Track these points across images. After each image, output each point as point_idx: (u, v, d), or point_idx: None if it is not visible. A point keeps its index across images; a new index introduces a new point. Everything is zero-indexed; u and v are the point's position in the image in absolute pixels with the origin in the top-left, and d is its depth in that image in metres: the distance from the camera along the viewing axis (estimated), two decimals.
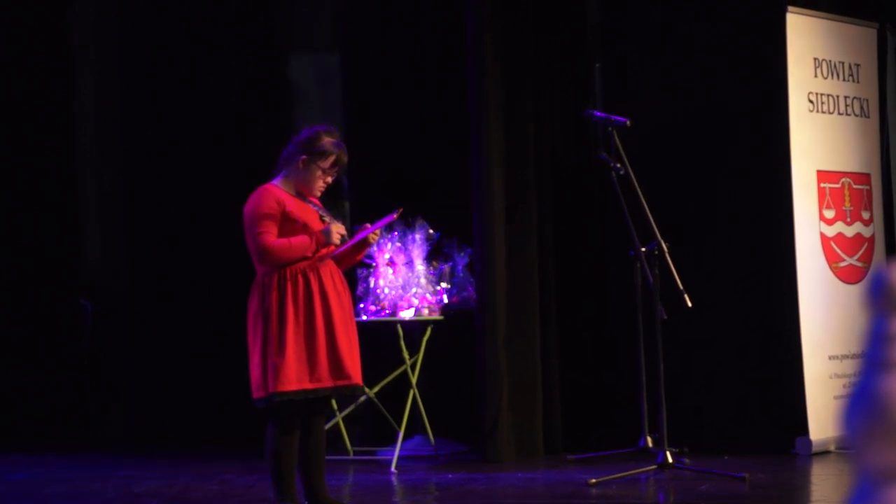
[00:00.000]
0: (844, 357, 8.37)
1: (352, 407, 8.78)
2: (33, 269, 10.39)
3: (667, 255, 7.46)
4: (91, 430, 10.10)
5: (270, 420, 6.34)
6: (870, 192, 8.78)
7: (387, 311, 8.60)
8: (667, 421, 7.48)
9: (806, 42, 8.41)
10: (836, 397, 8.27)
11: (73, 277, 10.33)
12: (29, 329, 10.35)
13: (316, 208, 6.51)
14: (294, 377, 6.22)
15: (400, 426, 8.42)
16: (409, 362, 8.51)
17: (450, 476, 7.95)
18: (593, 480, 7.34)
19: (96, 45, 10.36)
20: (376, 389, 8.61)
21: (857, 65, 8.74)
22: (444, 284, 8.67)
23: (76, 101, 10.40)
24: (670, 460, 7.43)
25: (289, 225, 6.36)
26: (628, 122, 7.67)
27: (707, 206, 8.55)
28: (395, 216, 6.64)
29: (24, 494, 7.70)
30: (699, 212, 8.55)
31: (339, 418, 8.74)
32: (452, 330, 8.71)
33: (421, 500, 7.49)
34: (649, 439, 8.03)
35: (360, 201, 9.28)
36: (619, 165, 7.57)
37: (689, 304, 7.37)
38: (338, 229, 6.43)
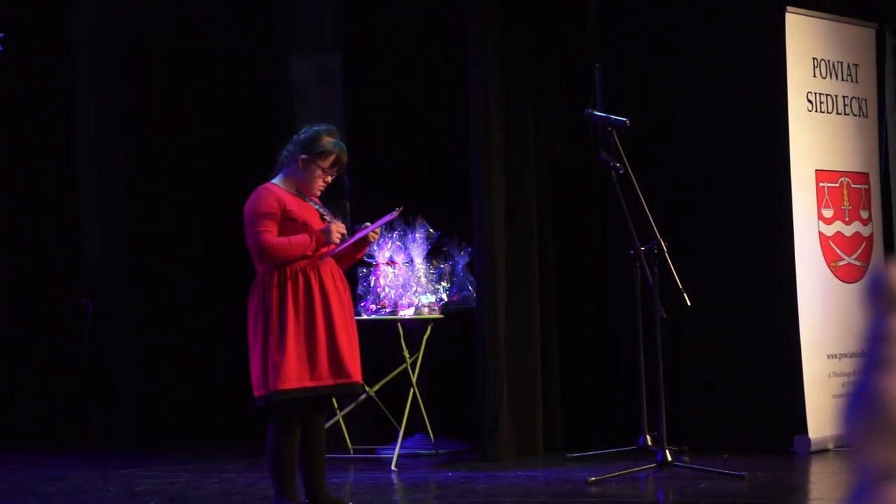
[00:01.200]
0: (843, 356, 8.38)
1: (352, 405, 8.79)
2: (33, 269, 10.40)
3: (666, 255, 7.48)
4: (91, 429, 10.11)
5: (271, 418, 6.35)
6: (868, 191, 8.79)
7: (387, 310, 8.62)
8: (666, 419, 7.49)
9: (805, 42, 8.43)
10: (834, 396, 8.28)
11: (74, 277, 10.34)
12: (29, 329, 10.36)
13: (316, 207, 6.52)
14: (294, 375, 6.23)
15: (400, 425, 8.44)
16: (409, 361, 8.53)
17: (450, 474, 7.96)
18: (593, 479, 7.35)
19: (96, 45, 10.37)
20: (377, 388, 8.63)
21: (856, 65, 8.76)
22: (444, 283, 8.69)
23: (76, 101, 10.42)
24: (669, 459, 7.44)
25: (289, 224, 6.37)
26: (628, 122, 7.68)
27: (707, 206, 8.56)
28: (394, 214, 6.64)
29: (24, 493, 7.70)
30: (699, 211, 8.57)
31: (339, 417, 8.76)
32: (452, 329, 8.73)
33: (421, 498, 7.50)
34: (648, 438, 8.04)
35: (361, 200, 9.29)
36: (618, 165, 7.58)
37: (689, 303, 7.39)
38: (338, 228, 6.44)
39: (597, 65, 8.62)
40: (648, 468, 7.51)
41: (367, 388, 8.10)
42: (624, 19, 8.93)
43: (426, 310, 8.58)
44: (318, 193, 6.56)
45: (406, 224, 8.60)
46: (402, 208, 6.70)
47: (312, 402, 6.36)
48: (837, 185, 8.58)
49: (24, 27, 10.21)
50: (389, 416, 8.75)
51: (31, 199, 10.41)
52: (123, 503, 7.28)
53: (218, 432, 9.53)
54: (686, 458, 7.76)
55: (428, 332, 8.59)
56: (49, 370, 10.29)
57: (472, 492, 7.30)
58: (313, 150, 6.44)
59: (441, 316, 8.63)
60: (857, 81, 8.76)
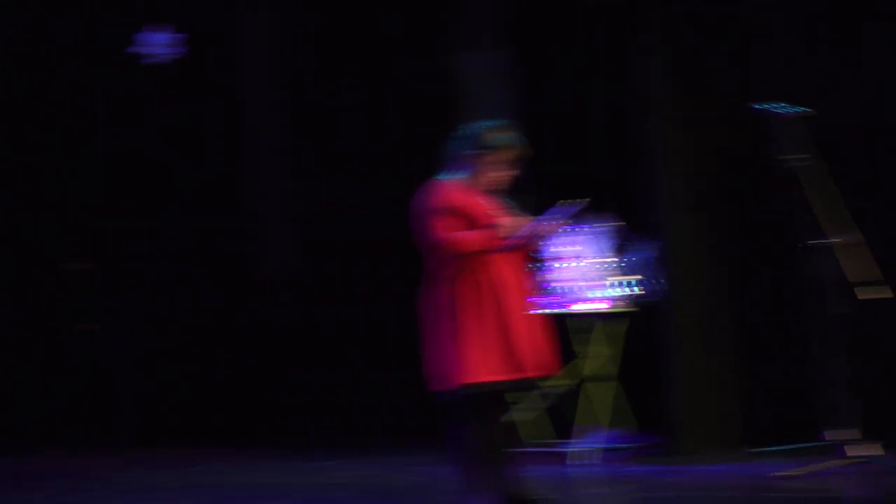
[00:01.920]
0: None
1: (537, 399, 8.77)
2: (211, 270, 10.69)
3: (852, 247, 7.32)
4: (281, 424, 10.31)
5: (456, 413, 6.35)
6: None
7: (571, 304, 8.59)
8: (852, 414, 7.32)
9: None
10: None
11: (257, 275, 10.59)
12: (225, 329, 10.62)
13: (491, 202, 6.51)
14: (478, 369, 6.23)
15: (585, 419, 8.41)
16: (593, 355, 8.49)
17: (635, 468, 7.97)
18: (781, 473, 7.25)
19: (263, 49, 10.56)
20: (559, 382, 8.59)
21: None
22: (631, 277, 8.63)
23: (248, 104, 10.63)
24: (856, 454, 7.27)
25: (462, 219, 6.38)
26: (806, 114, 7.54)
27: (891, 198, 8.36)
28: (577, 209, 6.58)
29: (208, 486, 7.94)
30: (882, 205, 8.37)
31: (526, 411, 8.74)
32: (639, 322, 8.67)
33: (606, 493, 7.50)
34: (834, 433, 7.86)
35: (537, 195, 9.25)
36: (800, 157, 7.46)
37: (880, 295, 7.20)
38: (513, 222, 6.43)
39: (776, 58, 8.49)
40: (835, 463, 7.35)
41: (550, 382, 8.07)
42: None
43: (612, 303, 8.54)
44: (493, 188, 6.55)
45: (591, 218, 8.54)
46: (584, 202, 6.64)
47: (497, 396, 6.35)
48: None
49: (196, 23, 10.45)
50: (575, 410, 8.71)
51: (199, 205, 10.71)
52: (324, 493, 7.43)
53: (405, 426, 9.63)
54: (874, 454, 7.57)
55: (615, 325, 8.54)
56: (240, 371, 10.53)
57: (658, 486, 7.30)
58: (484, 146, 6.46)
59: (628, 309, 8.57)
60: None
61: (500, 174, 6.50)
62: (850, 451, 7.29)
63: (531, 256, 7.30)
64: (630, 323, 8.63)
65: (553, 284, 8.68)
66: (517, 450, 8.29)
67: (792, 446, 8.18)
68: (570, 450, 8.39)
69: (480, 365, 6.24)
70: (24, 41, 10.83)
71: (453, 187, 6.45)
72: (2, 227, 11.15)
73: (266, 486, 7.86)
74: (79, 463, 9.68)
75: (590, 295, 8.59)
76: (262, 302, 10.48)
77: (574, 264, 8.63)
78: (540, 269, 8.72)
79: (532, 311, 6.48)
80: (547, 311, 8.58)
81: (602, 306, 8.55)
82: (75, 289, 10.81)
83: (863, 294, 7.21)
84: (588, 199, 6.63)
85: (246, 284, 10.57)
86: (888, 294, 7.24)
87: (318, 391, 10.22)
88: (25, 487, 8.41)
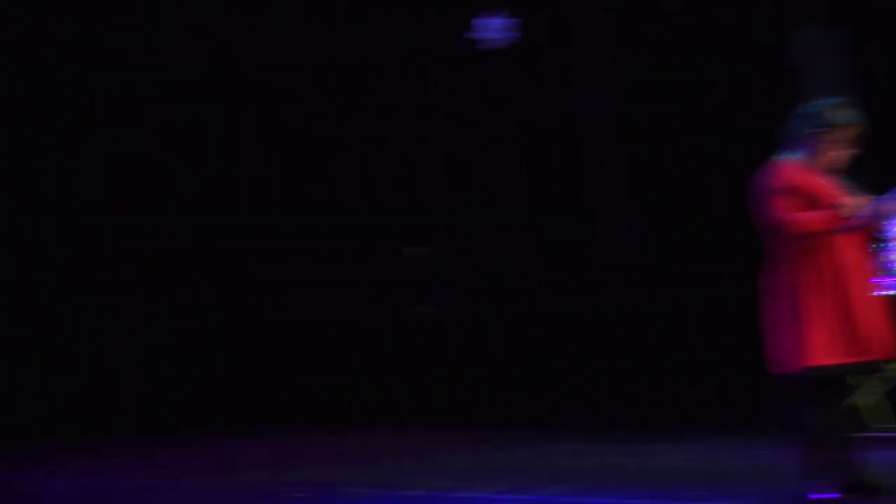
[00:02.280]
0: None
1: (880, 383, 8.58)
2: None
3: None
4: (607, 408, 10.38)
5: (797, 396, 6.28)
6: None
7: None
8: None
9: None
10: None
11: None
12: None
13: (832, 182, 6.41)
14: (821, 352, 6.15)
15: None
16: None
17: None
18: None
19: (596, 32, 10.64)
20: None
21: None
22: None
23: (582, 90, 10.73)
24: None
25: (803, 199, 6.30)
26: None
27: None
28: None
29: (537, 467, 8.09)
30: None
31: (868, 394, 8.56)
32: None
33: None
34: None
35: (881, 174, 9.04)
36: None
37: None
38: (855, 202, 6.31)
39: None
40: None
41: (894, 365, 7.88)
42: None
43: None
44: (833, 167, 6.44)
45: None
46: None
47: (840, 379, 6.27)
48: None
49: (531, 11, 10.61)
50: None
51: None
52: (658, 476, 7.52)
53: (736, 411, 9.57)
54: None
55: None
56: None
57: None
58: (824, 124, 6.35)
59: None
60: None
61: (840, 153, 6.39)
62: None
63: (874, 237, 7.17)
64: None
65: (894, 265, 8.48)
66: (859, 434, 8.19)
67: None
68: None
69: (823, 348, 6.16)
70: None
71: (794, 167, 6.37)
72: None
73: (597, 468, 7.95)
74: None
75: None
76: (599, 285, 10.57)
77: None
78: (883, 249, 8.51)
79: (875, 293, 6.35)
80: (890, 292, 8.38)
81: None
82: (417, 273, 11.11)
83: None
84: None
85: (582, 269, 10.69)
86: None
87: (645, 372, 10.27)
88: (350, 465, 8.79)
